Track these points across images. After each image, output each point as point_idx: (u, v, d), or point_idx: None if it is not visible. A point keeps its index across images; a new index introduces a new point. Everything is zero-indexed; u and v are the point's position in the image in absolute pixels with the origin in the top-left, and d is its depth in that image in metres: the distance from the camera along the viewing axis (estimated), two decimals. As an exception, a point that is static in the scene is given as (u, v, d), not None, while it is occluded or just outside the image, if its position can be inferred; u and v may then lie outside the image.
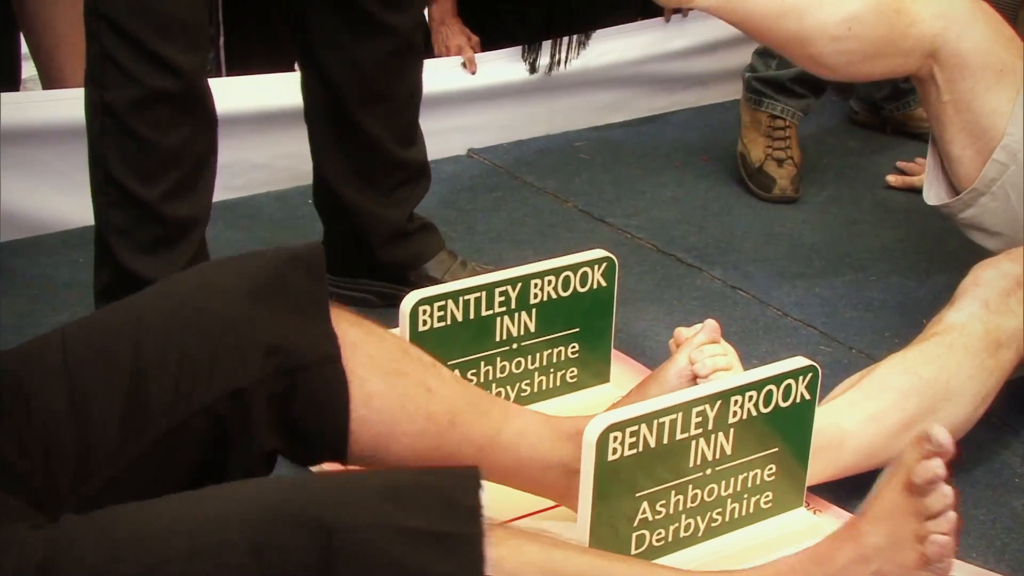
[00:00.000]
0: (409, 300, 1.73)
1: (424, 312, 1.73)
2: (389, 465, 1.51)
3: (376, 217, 2.16)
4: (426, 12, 2.76)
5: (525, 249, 2.40)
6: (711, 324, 1.71)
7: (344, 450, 1.43)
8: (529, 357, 1.87)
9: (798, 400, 1.57)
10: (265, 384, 1.36)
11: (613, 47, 3.06)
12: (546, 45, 2.93)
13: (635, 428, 1.45)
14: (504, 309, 1.82)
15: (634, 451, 1.45)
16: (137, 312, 1.38)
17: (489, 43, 2.98)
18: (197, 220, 1.95)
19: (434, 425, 1.48)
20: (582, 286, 1.87)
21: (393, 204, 2.18)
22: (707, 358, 1.66)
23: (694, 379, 1.66)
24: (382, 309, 2.10)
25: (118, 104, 1.86)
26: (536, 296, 1.83)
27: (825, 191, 2.75)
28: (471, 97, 2.84)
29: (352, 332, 1.44)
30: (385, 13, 2.05)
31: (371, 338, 1.47)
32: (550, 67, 2.92)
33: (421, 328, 1.73)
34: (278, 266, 1.44)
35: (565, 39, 2.96)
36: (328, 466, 1.52)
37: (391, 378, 1.46)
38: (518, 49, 2.95)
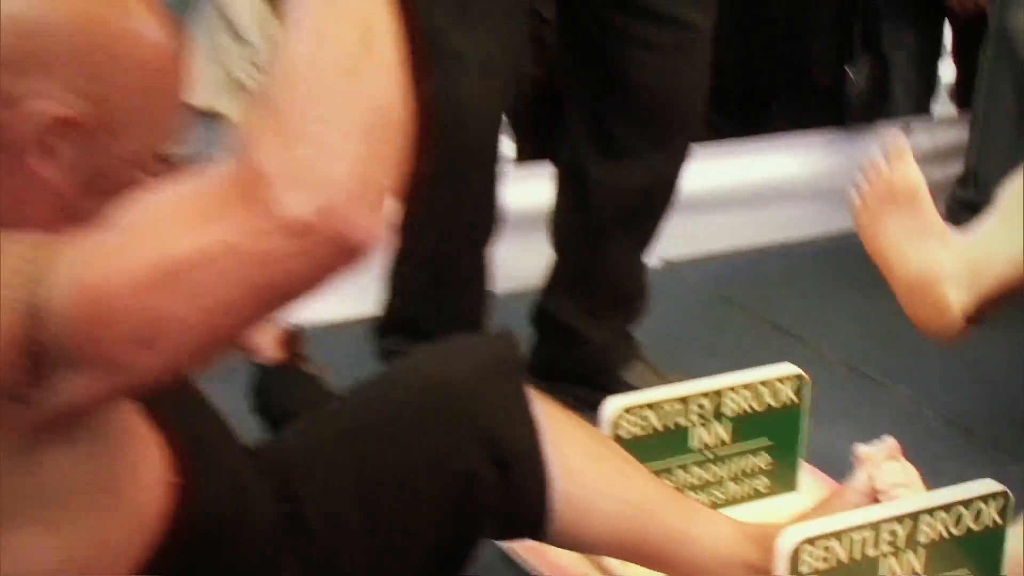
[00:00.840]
0: (610, 407, 1.84)
1: (624, 419, 1.84)
2: (586, 545, 1.65)
3: (591, 339, 2.31)
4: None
5: (716, 360, 2.45)
6: (890, 442, 1.77)
7: (545, 527, 1.54)
8: (722, 465, 1.95)
9: (989, 524, 1.60)
10: (482, 476, 1.50)
11: (802, 159, 3.18)
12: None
13: (828, 543, 1.51)
14: (699, 420, 1.91)
15: (826, 565, 1.51)
16: (365, 421, 1.56)
17: None
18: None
19: (630, 509, 1.59)
20: (774, 400, 1.95)
21: (610, 328, 2.33)
22: (886, 475, 1.72)
23: (875, 495, 1.71)
24: (579, 411, 2.21)
25: None
26: (730, 408, 1.92)
27: (1014, 308, 2.75)
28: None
29: (558, 414, 1.58)
30: (634, 139, 2.20)
31: (574, 421, 1.62)
32: None
33: (620, 434, 1.83)
34: (483, 364, 1.58)
35: None
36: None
37: (592, 459, 1.58)
38: (719, 156, 3.05)
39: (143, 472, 1.33)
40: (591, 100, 2.23)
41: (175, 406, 1.32)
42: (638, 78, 2.17)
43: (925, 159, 3.09)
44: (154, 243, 1.10)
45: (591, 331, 2.31)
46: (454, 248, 2.21)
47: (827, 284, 2.93)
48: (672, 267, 2.98)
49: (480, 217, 2.23)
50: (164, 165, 1.27)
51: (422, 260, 2.18)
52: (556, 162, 2.36)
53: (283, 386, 1.77)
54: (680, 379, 2.18)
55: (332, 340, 2.28)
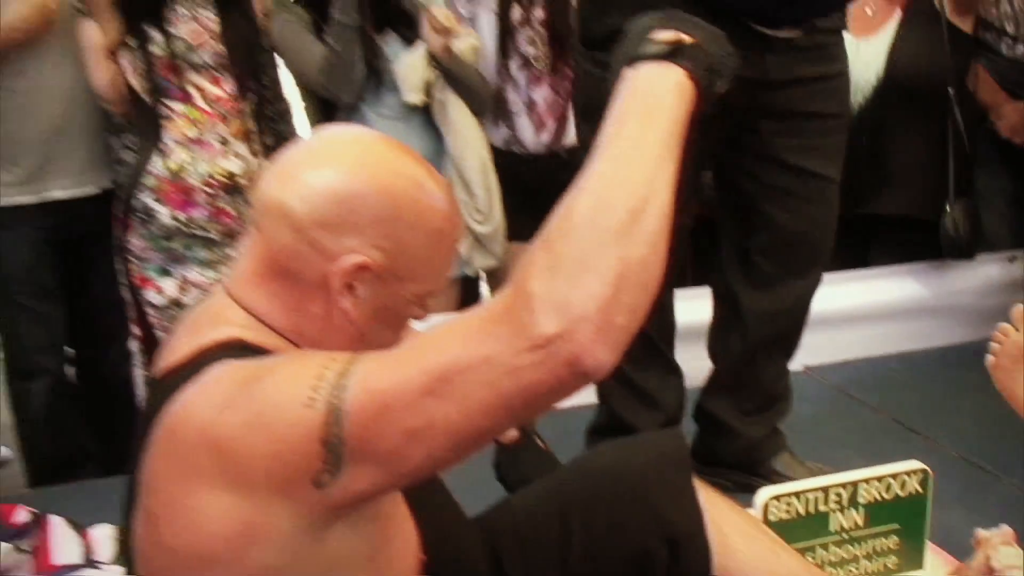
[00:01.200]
0: (761, 495, 2.09)
1: (773, 505, 2.08)
2: None
3: (744, 434, 2.61)
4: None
5: (850, 452, 2.68)
6: (1006, 529, 1.99)
7: None
8: (857, 546, 2.16)
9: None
10: (655, 553, 1.73)
11: (917, 284, 3.47)
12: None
13: (954, 618, 1.74)
14: (838, 506, 2.14)
15: (953, 637, 1.74)
16: (560, 500, 1.80)
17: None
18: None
19: None
20: (901, 491, 2.18)
21: (760, 424, 2.62)
22: (1002, 557, 1.94)
23: (991, 575, 1.94)
24: (735, 492, 2.44)
25: None
26: (864, 497, 2.15)
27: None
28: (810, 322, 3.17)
29: (718, 500, 1.82)
30: (778, 271, 2.50)
31: (733, 507, 1.85)
32: None
33: (770, 518, 2.07)
34: (656, 457, 1.81)
35: None
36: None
37: (748, 539, 1.81)
38: (852, 280, 3.33)
39: (403, 547, 1.57)
40: (742, 238, 2.52)
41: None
42: (782, 221, 2.45)
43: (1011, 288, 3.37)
44: (432, 354, 1.26)
45: (744, 427, 2.59)
46: (649, 360, 2.51)
47: (945, 387, 3.10)
48: (812, 372, 3.22)
49: (668, 332, 2.55)
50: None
51: (624, 373, 2.45)
52: (712, 286, 2.64)
53: (518, 459, 2.01)
54: (820, 469, 2.45)
55: (557, 422, 2.45)
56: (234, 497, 1.35)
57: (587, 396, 2.48)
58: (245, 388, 1.36)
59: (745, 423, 2.61)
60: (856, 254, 3.55)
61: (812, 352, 3.10)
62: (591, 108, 2.40)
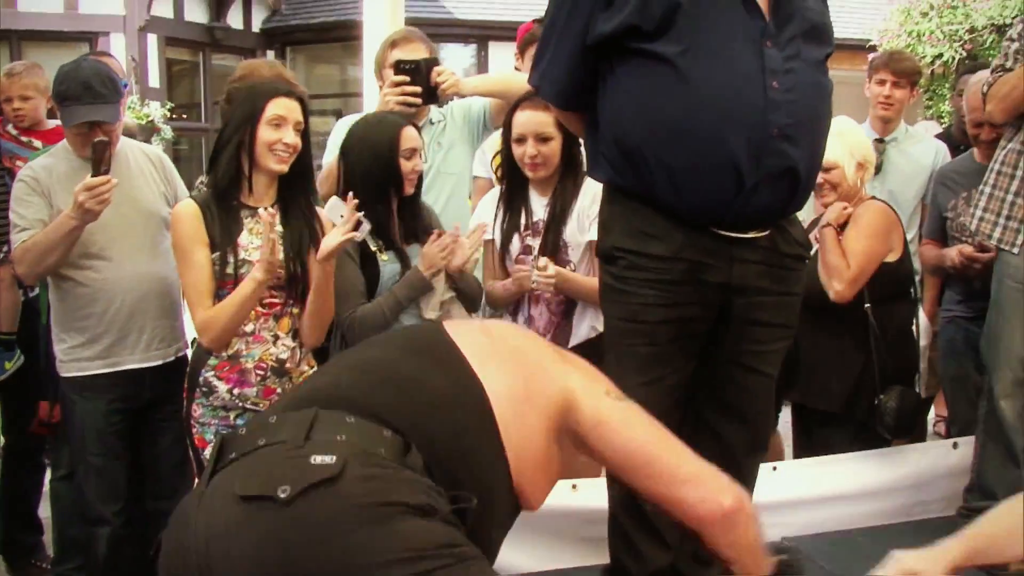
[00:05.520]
0: None
1: None
2: None
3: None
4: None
5: None
6: None
7: None
8: None
9: None
10: None
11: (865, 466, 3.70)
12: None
13: None
14: None
15: None
16: None
17: None
18: None
19: None
20: None
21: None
22: None
23: None
24: None
25: None
26: None
27: None
28: (787, 502, 3.48)
29: None
30: (733, 440, 2.85)
31: None
32: None
33: None
34: None
35: None
36: None
37: None
38: (821, 464, 3.64)
39: None
40: (706, 412, 2.89)
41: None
42: (735, 407, 2.86)
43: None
44: (665, 447, 2.04)
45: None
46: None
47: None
48: (788, 540, 3.40)
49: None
50: None
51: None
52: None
53: None
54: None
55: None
56: None
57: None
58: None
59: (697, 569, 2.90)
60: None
61: (787, 527, 3.40)
62: (604, 310, 2.76)
